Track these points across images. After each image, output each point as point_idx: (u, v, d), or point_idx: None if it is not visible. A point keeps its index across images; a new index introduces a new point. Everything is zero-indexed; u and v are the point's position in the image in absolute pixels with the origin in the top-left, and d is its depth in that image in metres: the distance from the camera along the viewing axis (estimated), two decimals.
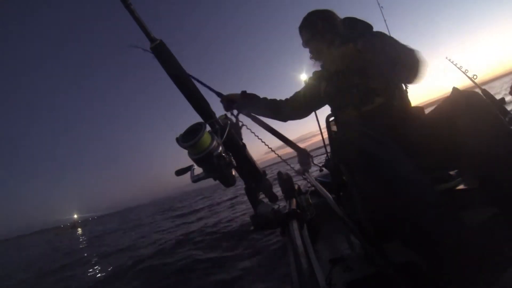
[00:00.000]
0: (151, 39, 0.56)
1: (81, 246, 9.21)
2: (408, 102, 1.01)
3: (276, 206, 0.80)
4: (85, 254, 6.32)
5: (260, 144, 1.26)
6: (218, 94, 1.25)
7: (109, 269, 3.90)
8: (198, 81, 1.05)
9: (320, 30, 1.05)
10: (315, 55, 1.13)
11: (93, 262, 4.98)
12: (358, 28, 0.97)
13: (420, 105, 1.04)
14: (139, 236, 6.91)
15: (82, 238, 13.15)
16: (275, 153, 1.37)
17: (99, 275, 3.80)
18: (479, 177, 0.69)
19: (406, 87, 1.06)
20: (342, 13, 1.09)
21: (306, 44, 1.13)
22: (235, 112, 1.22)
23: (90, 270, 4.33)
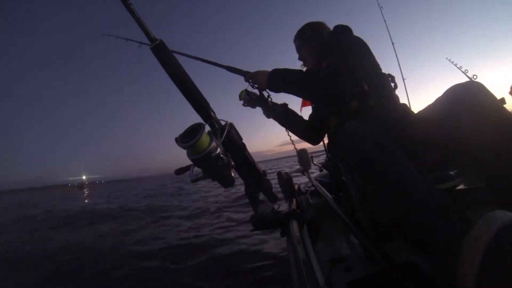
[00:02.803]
0: (151, 39, 0.56)
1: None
2: (394, 101, 1.02)
3: (276, 206, 0.80)
4: None
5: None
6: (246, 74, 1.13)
7: None
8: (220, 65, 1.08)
9: (308, 39, 1.16)
10: (304, 63, 1.22)
11: None
12: (333, 41, 1.07)
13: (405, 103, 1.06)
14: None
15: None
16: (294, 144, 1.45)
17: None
18: (486, 176, 0.67)
19: (394, 87, 1.08)
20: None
21: (297, 52, 1.23)
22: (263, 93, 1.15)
23: None
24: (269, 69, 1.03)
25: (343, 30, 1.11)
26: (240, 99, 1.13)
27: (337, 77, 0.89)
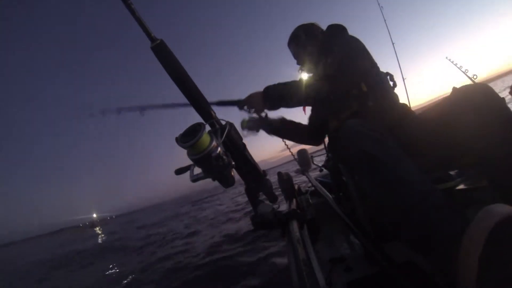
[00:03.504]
0: (152, 39, 0.56)
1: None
2: (393, 101, 1.02)
3: (276, 206, 0.80)
4: None
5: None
6: (238, 103, 1.03)
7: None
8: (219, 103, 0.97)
9: (302, 43, 1.17)
10: (301, 66, 1.22)
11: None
12: (330, 42, 1.06)
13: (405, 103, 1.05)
14: None
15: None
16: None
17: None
18: (489, 176, 0.67)
19: (393, 85, 1.08)
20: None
21: (294, 56, 1.24)
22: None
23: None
24: (259, 85, 1.02)
25: (339, 30, 1.10)
26: (243, 128, 1.09)
27: (335, 81, 0.89)
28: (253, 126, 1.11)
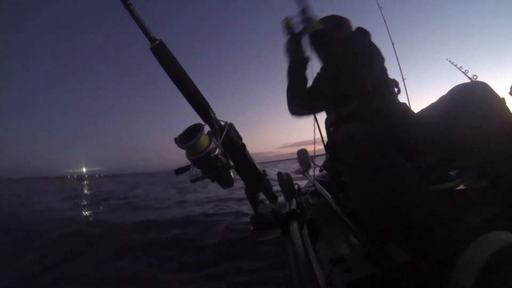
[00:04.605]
0: (151, 39, 0.56)
1: None
2: (395, 102, 1.02)
3: (276, 206, 0.80)
4: None
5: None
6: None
7: None
8: None
9: (330, 27, 1.09)
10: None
11: None
12: (352, 40, 1.05)
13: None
14: None
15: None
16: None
17: None
18: (489, 176, 0.67)
19: (397, 92, 1.09)
20: (340, 13, 1.12)
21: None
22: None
23: None
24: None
25: (364, 32, 1.09)
26: (285, 27, 1.07)
27: (344, 75, 0.89)
28: (290, 44, 1.08)
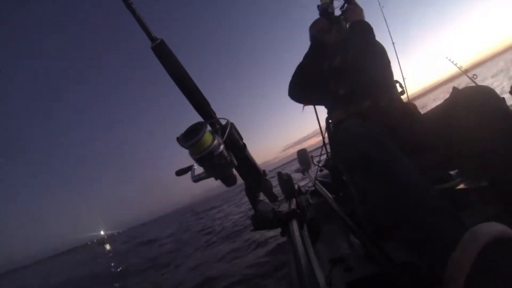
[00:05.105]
0: (152, 39, 0.56)
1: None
2: (400, 102, 1.04)
3: (276, 206, 0.80)
4: None
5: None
6: None
7: None
8: None
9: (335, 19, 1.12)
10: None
11: None
12: (356, 36, 1.04)
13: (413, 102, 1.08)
14: None
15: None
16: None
17: None
18: (490, 176, 0.67)
19: (401, 93, 1.10)
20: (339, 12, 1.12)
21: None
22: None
23: None
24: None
25: (370, 29, 1.07)
26: (323, 6, 1.08)
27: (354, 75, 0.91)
28: (323, 23, 1.08)
